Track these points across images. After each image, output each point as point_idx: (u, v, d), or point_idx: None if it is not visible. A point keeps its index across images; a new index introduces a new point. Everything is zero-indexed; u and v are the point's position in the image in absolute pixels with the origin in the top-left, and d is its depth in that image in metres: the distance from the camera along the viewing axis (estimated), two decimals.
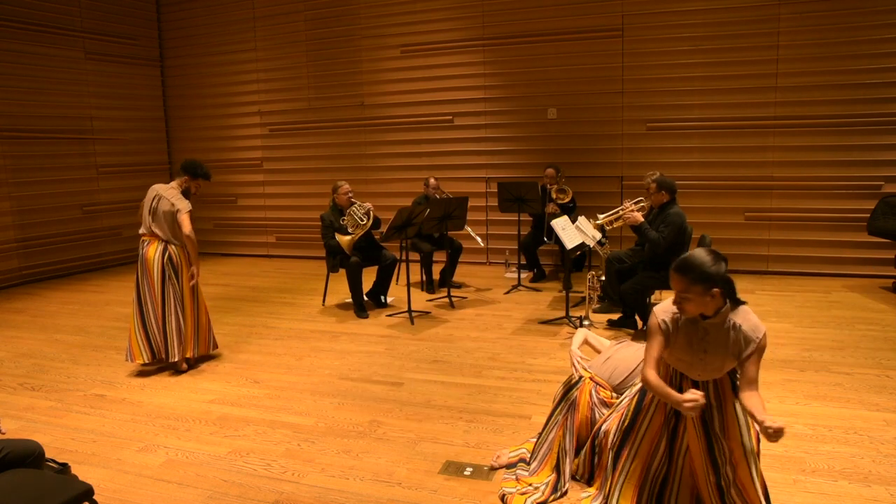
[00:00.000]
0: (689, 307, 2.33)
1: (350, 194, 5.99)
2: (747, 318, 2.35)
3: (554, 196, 6.88)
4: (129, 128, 9.23)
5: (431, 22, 8.26)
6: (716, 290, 2.26)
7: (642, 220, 4.91)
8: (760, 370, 4.39)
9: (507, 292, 6.71)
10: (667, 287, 4.95)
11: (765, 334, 2.33)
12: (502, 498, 2.75)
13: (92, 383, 4.36)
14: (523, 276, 7.22)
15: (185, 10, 9.50)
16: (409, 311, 5.73)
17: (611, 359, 3.06)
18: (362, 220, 5.88)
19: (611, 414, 2.77)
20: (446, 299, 6.33)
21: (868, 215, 6.56)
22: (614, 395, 2.92)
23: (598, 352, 3.25)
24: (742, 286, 6.65)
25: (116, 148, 9.04)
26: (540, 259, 7.34)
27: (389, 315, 5.88)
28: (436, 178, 6.98)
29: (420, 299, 6.43)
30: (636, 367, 2.92)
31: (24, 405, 3.99)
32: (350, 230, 5.88)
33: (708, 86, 7.26)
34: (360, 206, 5.94)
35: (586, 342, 3.30)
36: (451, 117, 8.35)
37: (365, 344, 5.09)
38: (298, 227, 9.27)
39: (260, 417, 3.72)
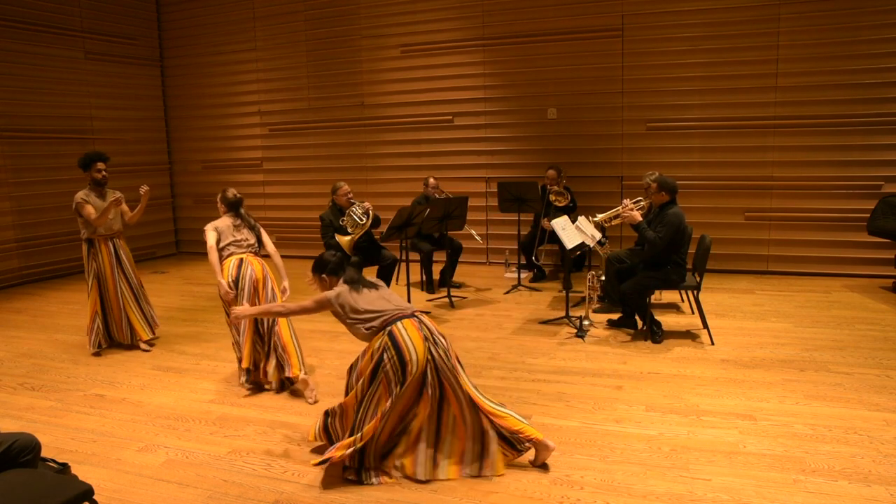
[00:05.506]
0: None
1: (349, 195, 5.98)
2: None
3: (553, 199, 6.84)
4: (129, 128, 9.23)
5: (431, 22, 8.26)
6: (324, 276, 3.30)
7: (640, 219, 4.90)
8: (760, 369, 4.36)
9: (507, 292, 6.71)
10: (667, 286, 4.95)
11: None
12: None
13: (92, 383, 4.36)
14: (523, 276, 7.21)
15: (185, 10, 9.51)
16: None
17: None
18: (361, 220, 5.88)
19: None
20: (446, 299, 6.33)
21: (868, 215, 6.56)
22: None
23: None
24: (742, 286, 6.68)
25: (116, 148, 9.02)
26: (540, 259, 7.34)
27: None
28: (435, 178, 6.97)
29: (420, 299, 6.43)
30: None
31: (24, 405, 3.99)
32: (350, 230, 5.88)
33: (708, 86, 7.26)
34: (358, 205, 5.94)
35: None
36: (451, 117, 8.35)
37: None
38: (298, 227, 9.27)
39: (260, 417, 3.72)
